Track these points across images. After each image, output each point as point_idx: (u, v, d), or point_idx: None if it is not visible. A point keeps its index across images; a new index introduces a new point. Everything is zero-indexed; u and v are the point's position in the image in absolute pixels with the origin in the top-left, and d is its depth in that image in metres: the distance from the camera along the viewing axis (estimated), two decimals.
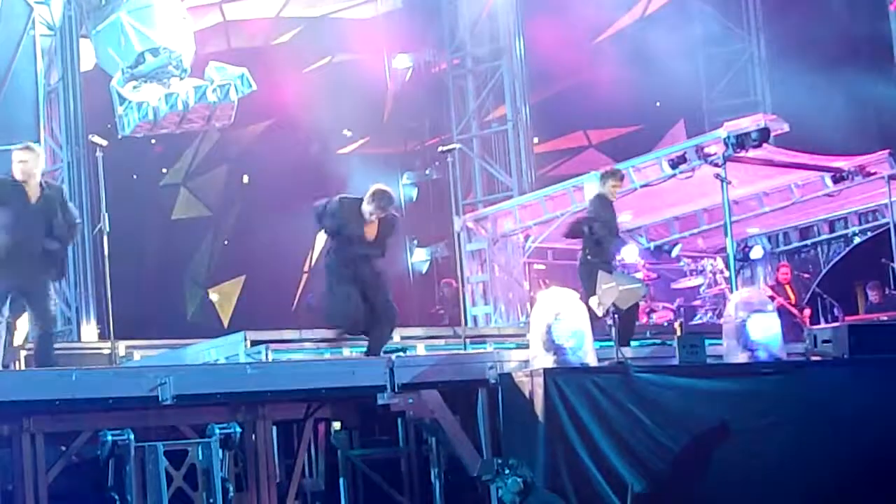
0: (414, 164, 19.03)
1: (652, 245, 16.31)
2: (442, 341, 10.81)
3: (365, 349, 9.82)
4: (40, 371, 8.53)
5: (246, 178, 18.28)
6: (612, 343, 9.56)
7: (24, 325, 9.56)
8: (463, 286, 15.93)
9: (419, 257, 18.97)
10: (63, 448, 8.02)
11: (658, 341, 11.35)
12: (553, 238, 15.32)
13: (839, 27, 18.66)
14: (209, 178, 18.72)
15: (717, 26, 20.15)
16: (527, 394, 8.74)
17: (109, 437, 7.70)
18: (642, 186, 14.16)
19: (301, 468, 8.99)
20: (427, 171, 18.72)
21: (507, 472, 8.33)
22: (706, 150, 13.20)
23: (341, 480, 9.30)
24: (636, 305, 10.95)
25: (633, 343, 10.73)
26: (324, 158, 18.34)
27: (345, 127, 18.69)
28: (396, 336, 10.39)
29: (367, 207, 9.69)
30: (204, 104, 13.88)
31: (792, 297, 15.20)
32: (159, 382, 7.87)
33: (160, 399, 7.87)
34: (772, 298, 13.53)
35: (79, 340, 13.53)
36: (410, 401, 8.71)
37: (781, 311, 11.84)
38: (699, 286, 15.92)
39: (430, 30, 18.61)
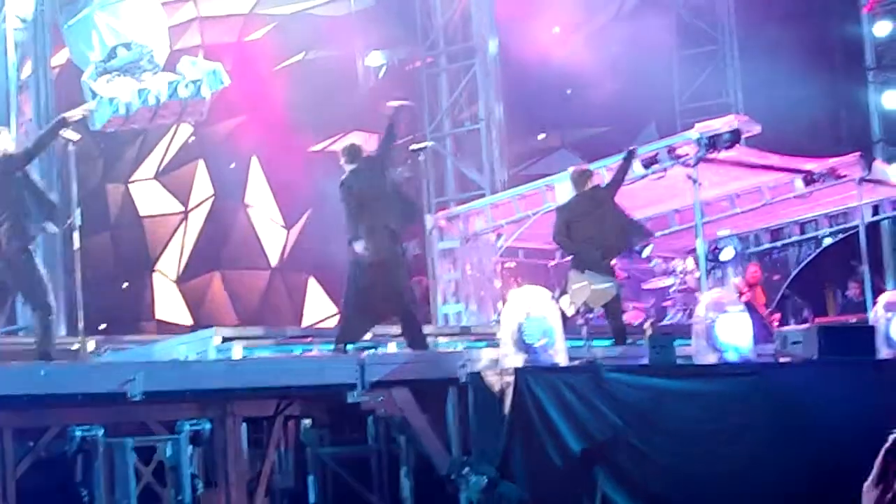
0: None
1: None
2: None
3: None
4: (8, 366, 8.47)
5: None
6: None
7: None
8: (434, 284, 15.98)
9: None
10: (31, 443, 7.98)
11: (629, 341, 11.38)
12: (525, 237, 15.34)
13: (812, 29, 18.76)
14: (181, 173, 18.64)
15: (691, 27, 20.22)
16: (497, 393, 8.75)
17: (78, 433, 7.68)
18: None
19: (270, 465, 8.98)
20: (399, 170, 18.68)
21: (467, 471, 8.34)
22: (678, 151, 13.22)
23: (310, 478, 9.29)
24: (618, 305, 11.01)
25: (603, 342, 10.76)
26: (296, 155, 18.28)
27: (317, 123, 18.62)
28: (368, 334, 10.38)
29: None
30: (176, 100, 13.81)
31: (762, 297, 15.27)
32: (129, 378, 7.83)
33: (129, 395, 7.83)
34: (740, 294, 13.62)
35: None
36: (381, 399, 8.70)
37: (751, 309, 11.91)
38: (670, 286, 15.97)
39: (404, 28, 18.58)
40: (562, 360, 9.16)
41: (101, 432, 7.71)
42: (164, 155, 18.54)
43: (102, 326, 14.22)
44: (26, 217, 8.76)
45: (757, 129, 13.67)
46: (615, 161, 14.35)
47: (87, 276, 9.97)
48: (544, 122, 19.81)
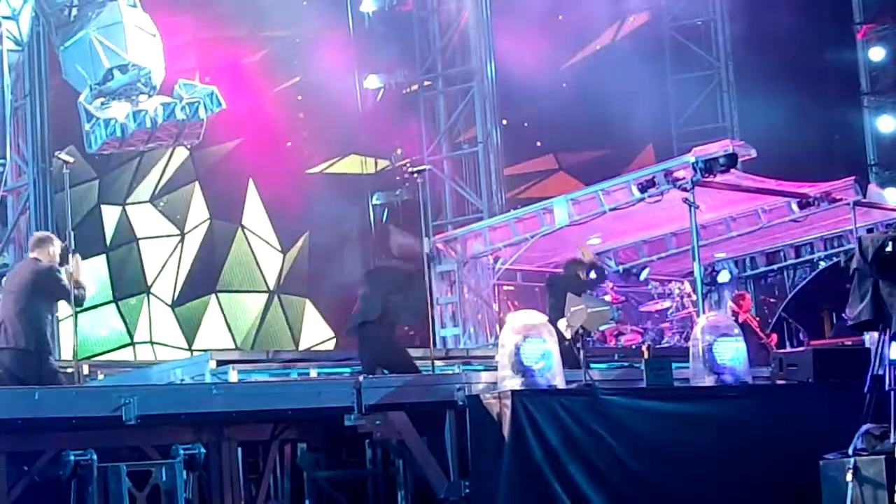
0: (384, 185, 19.03)
1: (621, 268, 16.36)
2: None
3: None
4: (2, 390, 8.44)
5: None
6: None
7: None
8: (432, 307, 15.95)
9: None
10: (25, 468, 7.92)
11: (626, 364, 11.38)
12: (523, 260, 15.35)
13: (807, 54, 18.86)
14: (177, 195, 18.63)
15: (686, 52, 20.31)
16: (495, 415, 8.72)
17: (72, 458, 7.62)
18: (612, 210, 14.21)
19: (266, 490, 8.92)
20: (397, 192, 18.71)
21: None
22: (675, 175, 13.27)
23: (307, 502, 9.23)
24: None
25: (601, 366, 10.75)
26: (293, 178, 18.28)
27: (314, 146, 18.62)
28: None
29: None
30: (172, 122, 13.77)
31: (754, 323, 15.27)
32: (123, 402, 7.79)
33: (124, 419, 7.79)
34: (735, 313, 13.61)
35: None
36: (378, 422, 8.67)
37: (747, 332, 11.90)
38: (667, 309, 15.98)
39: (402, 51, 18.63)
40: (559, 382, 9.13)
41: (95, 457, 7.65)
42: (161, 177, 18.52)
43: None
44: None
45: (752, 153, 13.74)
46: (612, 184, 14.43)
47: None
48: (542, 145, 19.85)
